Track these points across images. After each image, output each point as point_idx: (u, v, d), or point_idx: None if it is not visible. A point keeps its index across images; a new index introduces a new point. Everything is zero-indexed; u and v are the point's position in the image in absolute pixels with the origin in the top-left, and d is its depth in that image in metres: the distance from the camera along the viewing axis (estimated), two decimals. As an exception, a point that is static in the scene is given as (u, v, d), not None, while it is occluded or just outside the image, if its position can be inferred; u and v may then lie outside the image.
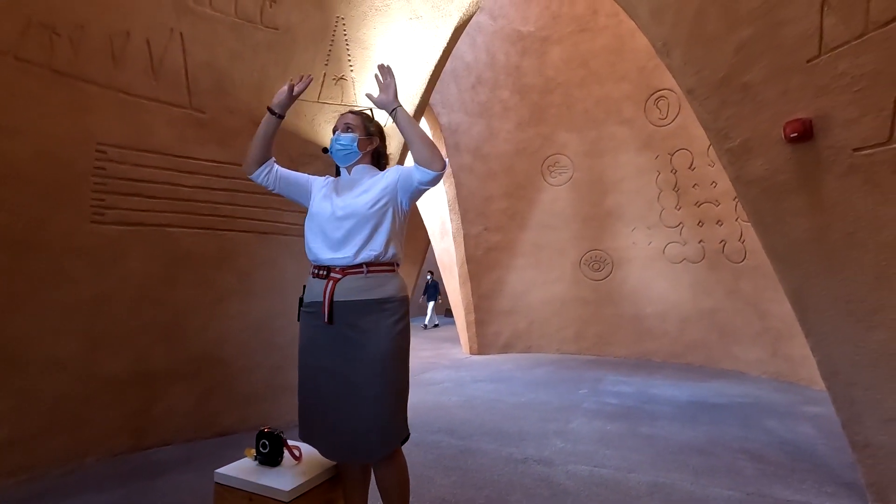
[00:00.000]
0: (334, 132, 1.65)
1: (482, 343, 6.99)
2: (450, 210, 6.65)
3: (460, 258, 6.80)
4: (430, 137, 1.49)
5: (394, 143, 3.34)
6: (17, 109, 2.30)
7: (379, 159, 1.70)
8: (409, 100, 3.45)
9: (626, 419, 3.60)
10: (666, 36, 2.73)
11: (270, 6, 3.03)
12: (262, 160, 1.65)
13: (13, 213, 2.33)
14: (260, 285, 3.27)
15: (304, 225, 1.67)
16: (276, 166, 1.69)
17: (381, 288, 1.50)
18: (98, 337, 2.69)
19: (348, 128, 1.62)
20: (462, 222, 6.66)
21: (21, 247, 2.38)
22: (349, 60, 3.29)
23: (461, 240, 6.71)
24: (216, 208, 3.07)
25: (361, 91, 3.36)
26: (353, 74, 3.32)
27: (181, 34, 2.78)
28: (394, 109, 1.52)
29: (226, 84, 3.01)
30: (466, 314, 6.95)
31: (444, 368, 6.00)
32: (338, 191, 1.60)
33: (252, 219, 3.19)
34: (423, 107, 3.55)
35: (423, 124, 5.84)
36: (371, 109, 1.72)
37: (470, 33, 6.35)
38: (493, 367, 6.03)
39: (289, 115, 3.19)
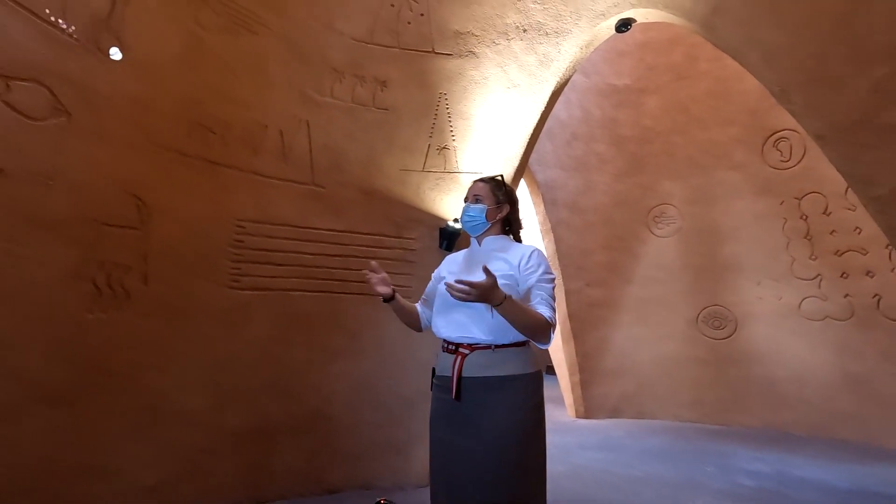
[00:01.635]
0: (465, 202, 1.69)
1: (588, 406, 6.55)
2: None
3: (562, 315, 6.57)
4: (534, 314, 1.43)
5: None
6: (177, 195, 2.73)
7: (510, 225, 1.70)
8: (507, 163, 3.55)
9: (769, 508, 3.09)
10: (783, 81, 2.56)
11: (381, 90, 3.36)
12: (418, 321, 1.81)
13: (167, 284, 2.71)
14: (367, 345, 3.42)
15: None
16: (423, 311, 1.82)
17: (508, 364, 1.47)
18: (225, 393, 2.95)
19: (477, 198, 1.65)
20: (562, 277, 6.49)
21: (171, 312, 2.74)
22: (451, 131, 3.50)
23: (562, 296, 6.52)
24: (331, 272, 3.32)
25: (463, 158, 3.53)
26: (455, 143, 3.51)
27: (307, 122, 3.17)
28: (498, 303, 1.38)
29: (341, 161, 3.33)
30: (570, 374, 6.60)
31: (547, 432, 5.68)
32: (467, 266, 1.63)
33: (362, 281, 3.38)
34: (521, 169, 3.62)
35: (521, 185, 5.93)
36: (501, 175, 1.77)
37: (564, 92, 6.45)
38: (601, 432, 5.59)
39: (395, 184, 3.47)
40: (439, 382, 1.57)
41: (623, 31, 3.46)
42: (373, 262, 1.72)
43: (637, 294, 6.66)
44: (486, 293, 1.29)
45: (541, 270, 1.53)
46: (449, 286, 1.31)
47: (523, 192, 6.43)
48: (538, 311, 1.44)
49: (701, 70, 6.28)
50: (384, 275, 1.70)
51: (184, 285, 2.78)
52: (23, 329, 2.08)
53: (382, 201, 3.45)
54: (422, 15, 3.39)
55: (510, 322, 1.40)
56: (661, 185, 6.63)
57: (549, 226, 6.38)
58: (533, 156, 6.19)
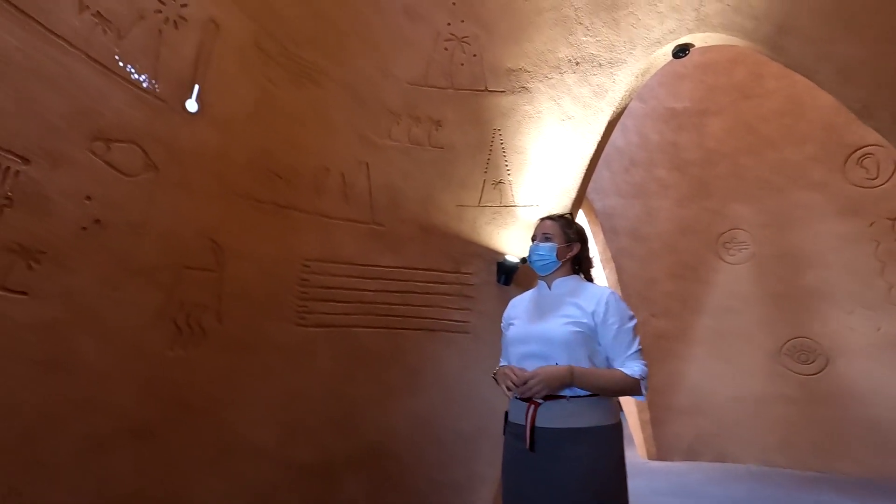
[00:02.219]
0: (533, 240, 1.63)
1: (661, 446, 6.12)
2: (610, 296, 6.30)
3: (626, 348, 6.26)
4: (612, 377, 1.41)
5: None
6: (249, 238, 2.91)
7: (581, 264, 1.65)
8: (564, 194, 3.51)
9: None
10: (864, 97, 2.39)
11: (436, 130, 3.46)
12: None
13: (238, 323, 2.86)
14: (427, 381, 3.41)
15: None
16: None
17: (584, 415, 1.40)
18: (291, 428, 3.02)
19: (546, 237, 1.59)
20: (625, 308, 6.22)
21: (242, 349, 2.88)
22: (506, 165, 3.52)
23: (625, 328, 6.23)
24: (391, 308, 3.38)
25: (519, 192, 3.53)
26: (510, 178, 3.52)
27: (367, 164, 3.31)
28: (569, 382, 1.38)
29: (399, 199, 3.43)
30: (639, 411, 6.22)
31: (616, 475, 5.34)
32: (537, 309, 1.57)
33: (421, 317, 3.43)
34: (579, 200, 3.57)
35: (579, 214, 5.83)
36: (570, 213, 1.73)
37: (620, 118, 6.36)
38: (676, 476, 5.18)
39: (452, 220, 3.51)
40: (512, 430, 1.50)
41: (681, 57, 3.38)
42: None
43: (709, 325, 6.24)
44: (548, 382, 1.33)
45: (620, 317, 1.46)
46: (520, 384, 1.36)
47: (581, 221, 6.31)
48: (625, 367, 1.39)
49: (768, 88, 5.98)
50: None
51: (254, 323, 2.93)
52: (117, 366, 2.26)
53: (440, 237, 3.50)
54: (474, 56, 3.49)
55: (590, 391, 1.38)
56: (730, 208, 6.28)
57: (609, 255, 6.19)
58: (590, 184, 6.10)
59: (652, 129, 6.56)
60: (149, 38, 2.30)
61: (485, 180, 3.51)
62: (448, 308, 3.43)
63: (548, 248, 1.57)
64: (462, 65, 3.50)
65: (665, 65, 3.72)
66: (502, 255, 3.49)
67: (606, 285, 6.37)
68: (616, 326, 1.45)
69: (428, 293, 3.34)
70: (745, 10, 2.92)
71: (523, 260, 1.65)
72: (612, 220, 6.29)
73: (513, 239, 3.51)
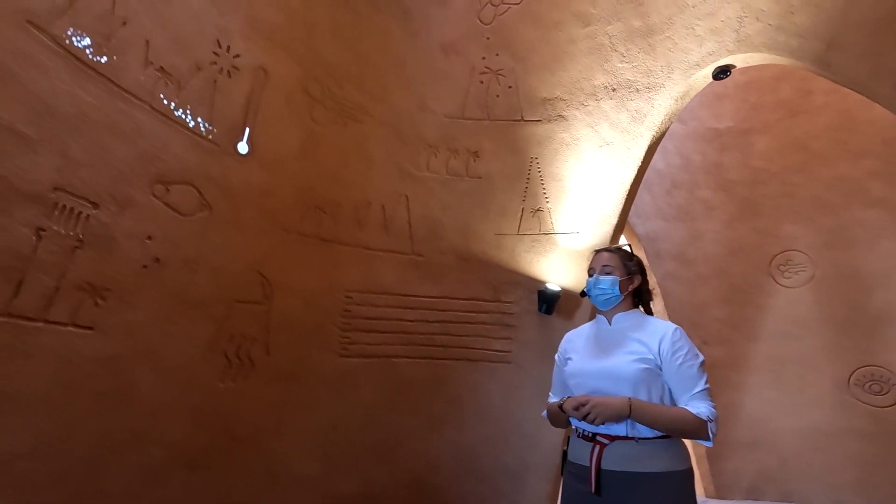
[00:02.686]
0: (590, 274, 1.57)
1: (719, 483, 5.72)
2: (657, 322, 6.06)
3: (677, 377, 5.97)
4: (677, 415, 1.33)
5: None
6: (295, 271, 3.00)
7: (641, 297, 1.59)
8: (605, 220, 3.45)
9: None
10: (929, 110, 2.25)
11: (474, 160, 3.51)
12: (566, 420, 1.54)
13: (285, 353, 2.93)
14: (469, 412, 3.36)
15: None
16: (555, 401, 1.60)
17: (655, 459, 1.31)
18: (334, 458, 3.03)
19: (607, 270, 1.53)
20: (673, 335, 5.96)
21: (288, 380, 2.94)
22: (544, 193, 3.51)
23: (675, 356, 5.96)
24: (431, 338, 3.37)
25: (558, 219, 3.50)
26: (549, 205, 3.51)
27: (406, 196, 3.38)
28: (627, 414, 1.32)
29: (438, 230, 3.47)
30: (694, 445, 5.87)
31: (671, 514, 5.02)
32: (598, 345, 1.52)
33: (462, 347, 3.40)
34: (621, 226, 3.50)
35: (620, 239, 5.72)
36: (629, 245, 1.69)
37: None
38: (738, 518, 4.82)
39: (491, 248, 3.51)
40: (574, 470, 1.43)
41: (722, 78, 3.31)
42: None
43: (767, 352, 5.88)
44: (601, 410, 1.26)
45: (686, 354, 1.38)
46: (577, 407, 1.29)
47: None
48: (690, 406, 1.32)
49: (818, 104, 5.75)
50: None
51: (300, 354, 2.99)
52: (171, 398, 2.36)
53: (479, 266, 3.50)
54: (510, 87, 3.55)
55: (651, 427, 1.31)
56: (782, 229, 5.98)
57: (654, 280, 5.99)
58: (631, 208, 5.98)
59: (694, 149, 6.40)
60: (205, 87, 2.47)
61: (523, 208, 3.51)
62: (489, 337, 3.39)
63: (609, 282, 1.51)
64: (498, 96, 3.56)
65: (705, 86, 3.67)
66: (543, 283, 3.45)
67: (653, 311, 6.14)
68: (680, 363, 1.37)
69: (468, 322, 3.33)
70: (790, 28, 2.84)
71: (583, 293, 1.59)
72: (655, 244, 6.11)
73: (553, 267, 3.46)
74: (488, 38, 3.56)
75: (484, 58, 3.57)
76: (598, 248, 1.65)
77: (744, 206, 6.18)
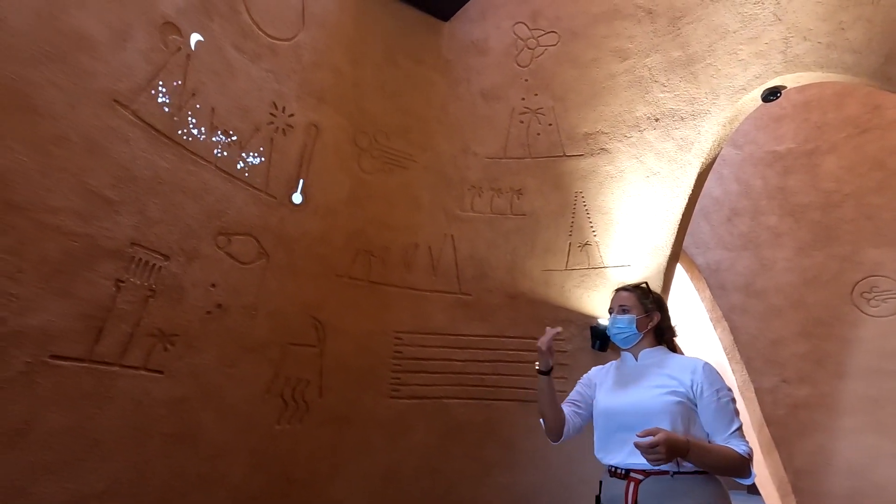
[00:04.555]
0: (610, 312, 1.61)
1: (815, 543, 5.07)
2: (728, 359, 5.63)
3: (756, 420, 5.46)
4: (726, 454, 1.27)
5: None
6: (347, 314, 3.10)
7: (662, 334, 1.57)
8: (657, 252, 3.33)
9: None
10: None
11: (518, 198, 3.54)
12: (558, 422, 1.58)
13: (338, 395, 2.99)
14: (522, 457, 3.23)
15: (569, 401, 1.64)
16: (572, 416, 1.61)
17: (694, 494, 1.26)
18: (389, 503, 3.00)
19: (623, 309, 1.55)
20: (747, 372, 5.51)
21: (341, 422, 2.98)
22: (591, 227, 3.46)
23: (752, 395, 5.48)
24: (482, 379, 3.33)
25: (608, 253, 3.42)
26: (596, 239, 3.45)
27: (452, 236, 3.45)
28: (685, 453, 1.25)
29: (485, 268, 3.49)
30: (782, 496, 5.28)
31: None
32: (623, 380, 1.51)
33: (514, 387, 3.32)
34: (675, 256, 3.36)
35: (680, 271, 5.46)
36: (646, 283, 1.67)
37: (714, 168, 6.01)
38: (844, 585, 4.21)
39: (539, 285, 3.47)
40: None
41: (772, 100, 3.20)
42: (557, 328, 1.62)
43: (860, 391, 5.28)
44: (668, 448, 1.17)
45: (720, 390, 1.34)
46: (639, 446, 1.20)
47: (682, 278, 5.87)
48: (730, 444, 1.27)
49: (889, 118, 5.37)
50: (548, 341, 1.56)
51: (352, 396, 3.04)
52: (232, 440, 2.45)
53: (528, 303, 3.46)
54: (550, 125, 3.60)
55: (701, 467, 1.26)
56: (863, 254, 5.49)
57: (719, 314, 5.62)
58: (688, 238, 5.72)
59: (753, 174, 6.10)
60: (263, 145, 2.70)
61: (570, 243, 3.47)
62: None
63: (626, 321, 1.53)
64: (538, 134, 3.61)
65: (757, 109, 3.53)
66: (595, 319, 3.34)
67: (720, 347, 5.75)
68: (716, 399, 1.33)
69: (519, 362, 3.26)
70: (842, 44, 2.73)
71: (594, 333, 1.59)
72: (718, 276, 5.77)
73: (605, 302, 3.34)
74: (526, 80, 3.66)
75: (523, 98, 3.66)
76: (617, 287, 1.67)
77: (817, 231, 5.75)
